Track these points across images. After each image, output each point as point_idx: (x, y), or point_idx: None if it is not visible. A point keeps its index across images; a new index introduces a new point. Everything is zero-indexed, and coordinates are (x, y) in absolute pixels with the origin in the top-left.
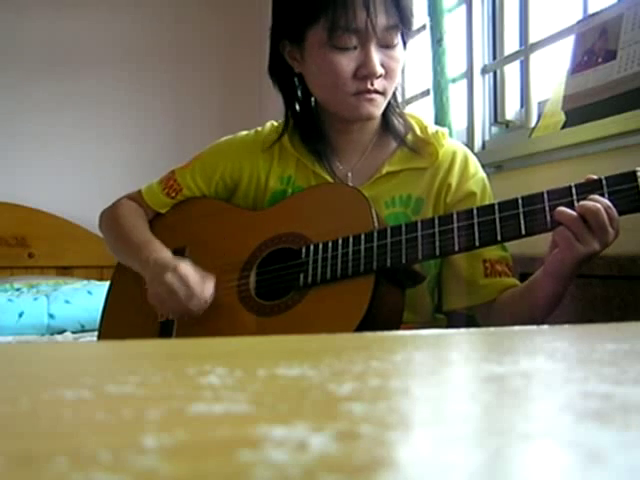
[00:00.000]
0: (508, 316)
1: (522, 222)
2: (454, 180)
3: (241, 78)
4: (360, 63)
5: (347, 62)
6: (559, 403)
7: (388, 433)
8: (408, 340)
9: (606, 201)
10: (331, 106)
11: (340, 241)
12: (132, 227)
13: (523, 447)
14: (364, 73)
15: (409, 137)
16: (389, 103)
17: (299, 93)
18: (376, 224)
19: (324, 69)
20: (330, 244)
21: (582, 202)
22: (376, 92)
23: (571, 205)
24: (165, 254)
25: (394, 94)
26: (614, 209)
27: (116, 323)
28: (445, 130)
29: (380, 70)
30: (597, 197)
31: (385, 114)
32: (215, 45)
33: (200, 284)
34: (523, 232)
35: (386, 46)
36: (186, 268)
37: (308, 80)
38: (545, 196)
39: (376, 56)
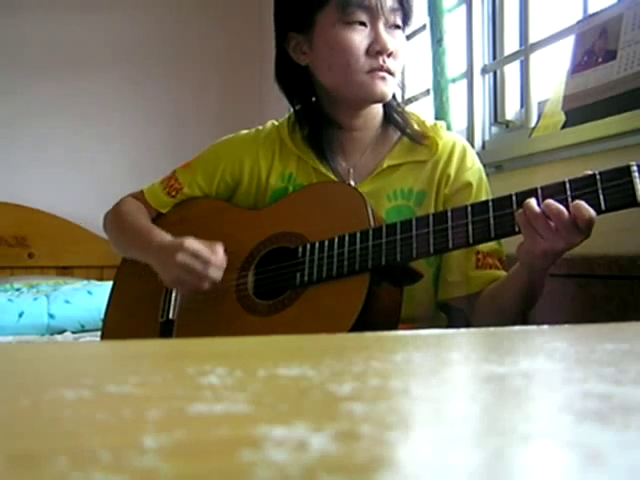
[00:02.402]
0: (490, 307)
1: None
2: (452, 171)
3: (241, 78)
4: (372, 40)
5: (360, 39)
6: (559, 403)
7: (388, 433)
8: (408, 340)
9: (580, 204)
10: (344, 89)
11: (336, 240)
12: (133, 220)
13: (523, 447)
14: (377, 49)
15: (408, 130)
16: (392, 103)
17: (305, 91)
18: (372, 222)
19: (337, 48)
20: (326, 243)
21: (547, 201)
22: (388, 72)
23: (565, 201)
24: (166, 237)
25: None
26: (587, 212)
27: (119, 322)
28: (442, 123)
29: (392, 47)
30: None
31: (385, 109)
32: (215, 46)
33: (210, 252)
34: (517, 229)
35: (392, 28)
36: (191, 242)
37: (317, 69)
38: (539, 192)
39: (386, 34)
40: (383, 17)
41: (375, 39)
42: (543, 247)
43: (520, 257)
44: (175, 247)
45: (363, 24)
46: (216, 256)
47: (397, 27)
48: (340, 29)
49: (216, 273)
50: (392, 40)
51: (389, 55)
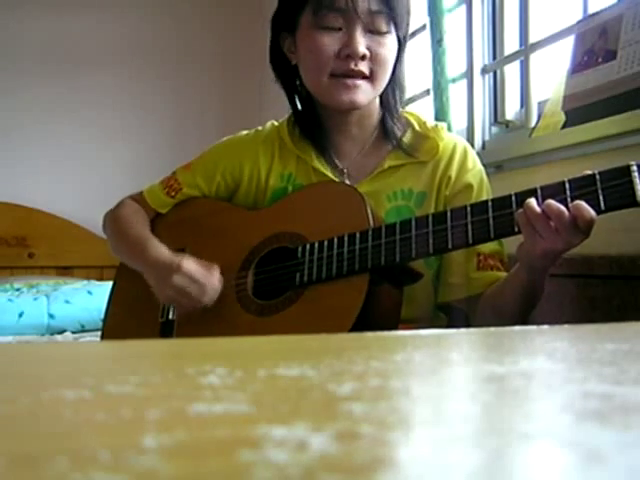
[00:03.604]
0: (490, 308)
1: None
2: (453, 173)
3: (241, 78)
4: (344, 44)
5: (331, 42)
6: (559, 403)
7: (388, 433)
8: (408, 340)
9: (580, 204)
10: (316, 92)
11: (335, 240)
12: (131, 227)
13: (523, 447)
14: (346, 52)
15: (408, 135)
16: (389, 110)
17: (299, 88)
18: (371, 222)
19: (310, 50)
20: (326, 243)
21: (548, 201)
22: (361, 76)
23: (564, 201)
24: (164, 252)
25: (394, 97)
26: (588, 212)
27: (119, 322)
28: (444, 124)
29: (363, 51)
30: (579, 203)
31: (384, 120)
32: (215, 45)
33: (207, 276)
34: (516, 229)
35: (375, 32)
36: (189, 264)
37: (301, 70)
38: (539, 192)
39: (361, 38)
40: (360, 21)
41: (347, 42)
42: (543, 247)
43: (520, 257)
44: (172, 268)
45: (339, 29)
46: (212, 280)
47: (383, 33)
48: (314, 32)
49: (211, 297)
50: (370, 44)
51: (362, 58)
